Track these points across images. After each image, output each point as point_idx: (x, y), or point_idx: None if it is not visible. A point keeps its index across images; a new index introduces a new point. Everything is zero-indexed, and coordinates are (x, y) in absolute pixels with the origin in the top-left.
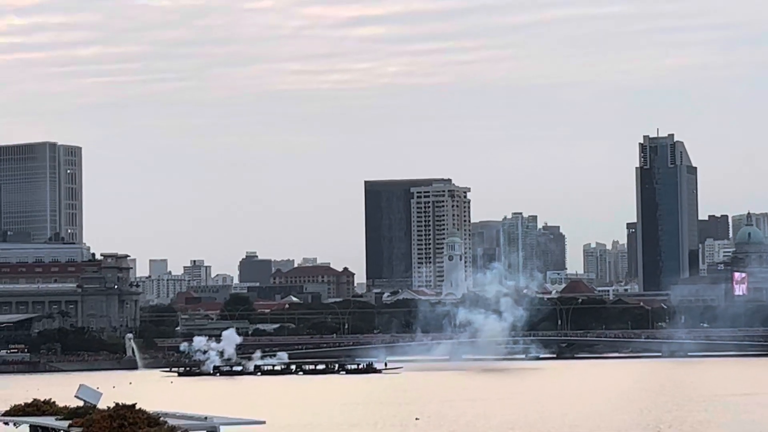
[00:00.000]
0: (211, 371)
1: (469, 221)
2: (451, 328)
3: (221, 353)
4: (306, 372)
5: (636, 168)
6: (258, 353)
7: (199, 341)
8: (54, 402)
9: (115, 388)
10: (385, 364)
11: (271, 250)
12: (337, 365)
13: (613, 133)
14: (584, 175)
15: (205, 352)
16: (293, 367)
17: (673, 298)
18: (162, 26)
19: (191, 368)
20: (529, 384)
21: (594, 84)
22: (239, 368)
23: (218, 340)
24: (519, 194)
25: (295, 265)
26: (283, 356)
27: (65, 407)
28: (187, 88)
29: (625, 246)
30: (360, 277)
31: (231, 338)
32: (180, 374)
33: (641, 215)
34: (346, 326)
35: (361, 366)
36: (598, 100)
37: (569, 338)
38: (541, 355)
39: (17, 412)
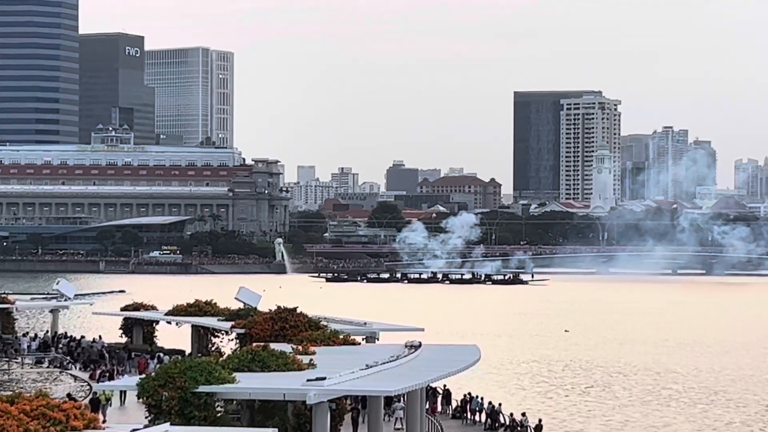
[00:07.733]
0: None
1: (619, 134)
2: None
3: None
4: (452, 281)
5: None
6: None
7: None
8: (215, 303)
9: (265, 291)
10: (532, 276)
11: (418, 159)
12: (483, 275)
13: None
14: (737, 88)
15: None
16: (440, 276)
17: None
18: None
19: (339, 274)
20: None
21: None
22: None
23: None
24: (670, 108)
25: (442, 175)
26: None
27: (226, 309)
28: None
29: None
30: (507, 189)
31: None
32: (328, 280)
33: None
34: (493, 237)
35: (507, 277)
36: (753, 9)
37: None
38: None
39: (179, 311)
